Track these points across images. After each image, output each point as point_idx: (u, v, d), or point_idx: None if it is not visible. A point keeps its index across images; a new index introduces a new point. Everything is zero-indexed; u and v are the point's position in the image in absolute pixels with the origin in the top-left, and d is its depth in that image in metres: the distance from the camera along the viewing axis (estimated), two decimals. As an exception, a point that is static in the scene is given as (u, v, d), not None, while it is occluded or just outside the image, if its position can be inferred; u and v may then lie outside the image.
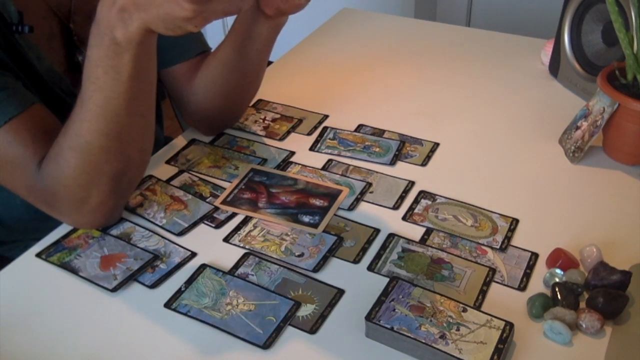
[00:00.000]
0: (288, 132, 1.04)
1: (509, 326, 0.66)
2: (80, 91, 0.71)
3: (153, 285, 0.74)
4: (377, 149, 0.99)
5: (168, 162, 0.96)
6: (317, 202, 0.87)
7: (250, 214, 0.85)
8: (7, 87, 0.76)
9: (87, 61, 0.69)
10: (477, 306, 0.71)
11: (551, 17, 1.33)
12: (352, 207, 0.87)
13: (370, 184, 0.91)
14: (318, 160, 0.97)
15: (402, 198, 0.88)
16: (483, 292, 0.73)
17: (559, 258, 0.75)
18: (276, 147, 1.00)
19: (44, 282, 0.76)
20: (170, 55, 0.99)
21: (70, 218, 0.80)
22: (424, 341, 0.64)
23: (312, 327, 0.69)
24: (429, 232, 0.82)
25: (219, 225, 0.84)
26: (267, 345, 0.67)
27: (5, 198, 0.87)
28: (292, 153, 0.98)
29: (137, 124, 0.75)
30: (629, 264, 0.75)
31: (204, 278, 0.75)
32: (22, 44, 0.82)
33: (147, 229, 0.83)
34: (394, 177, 0.93)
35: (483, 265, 0.77)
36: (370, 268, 0.77)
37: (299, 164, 0.96)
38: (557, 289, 0.71)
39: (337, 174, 0.93)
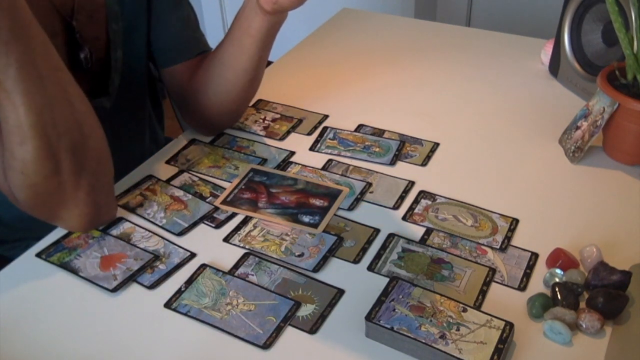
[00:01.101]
0: (288, 132, 1.04)
1: (509, 326, 0.66)
2: None
3: (151, 286, 0.74)
4: (377, 149, 0.99)
5: (168, 162, 0.96)
6: (317, 202, 0.87)
7: (250, 214, 0.85)
8: None
9: None
10: (477, 306, 0.71)
11: (551, 17, 1.33)
12: (352, 207, 0.87)
13: (370, 184, 0.91)
14: (318, 160, 0.97)
15: (402, 198, 0.88)
16: (483, 292, 0.73)
17: (559, 258, 0.75)
18: (276, 147, 1.00)
19: (44, 282, 0.76)
20: (170, 55, 0.99)
21: (62, 220, 0.78)
22: (424, 341, 0.64)
23: (312, 327, 0.69)
24: (429, 232, 0.82)
25: (219, 225, 0.84)
26: (267, 345, 0.67)
27: (6, 198, 0.87)
28: (292, 153, 0.98)
29: (61, 82, 0.71)
30: (629, 264, 0.75)
31: (204, 278, 0.75)
32: None
33: (147, 229, 0.83)
34: (394, 177, 0.93)
35: (483, 265, 0.77)
36: (370, 268, 0.77)
37: (299, 164, 0.96)
38: (557, 289, 0.71)
39: (337, 174, 0.93)
